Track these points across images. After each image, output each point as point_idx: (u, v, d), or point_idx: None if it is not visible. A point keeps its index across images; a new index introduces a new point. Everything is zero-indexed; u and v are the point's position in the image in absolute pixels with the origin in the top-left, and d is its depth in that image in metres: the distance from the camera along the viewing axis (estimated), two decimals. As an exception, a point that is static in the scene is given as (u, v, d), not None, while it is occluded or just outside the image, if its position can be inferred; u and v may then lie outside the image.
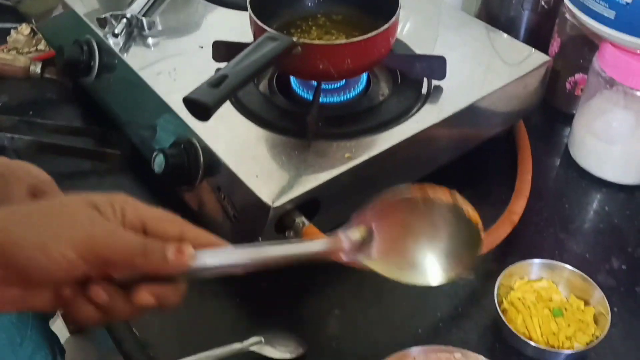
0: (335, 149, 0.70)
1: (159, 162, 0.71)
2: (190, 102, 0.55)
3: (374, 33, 0.69)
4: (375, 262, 0.52)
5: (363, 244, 0.52)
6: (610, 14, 0.70)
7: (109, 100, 0.91)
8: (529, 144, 0.86)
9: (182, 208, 0.77)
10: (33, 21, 1.07)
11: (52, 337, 1.17)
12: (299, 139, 0.71)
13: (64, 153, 0.86)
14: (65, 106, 0.97)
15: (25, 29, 1.05)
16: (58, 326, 1.68)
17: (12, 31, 1.06)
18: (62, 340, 1.71)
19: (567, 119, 0.92)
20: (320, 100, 0.75)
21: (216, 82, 0.57)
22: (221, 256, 0.47)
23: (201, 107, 0.55)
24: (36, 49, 1.05)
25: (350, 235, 0.51)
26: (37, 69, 0.96)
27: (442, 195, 0.55)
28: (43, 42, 1.06)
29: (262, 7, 0.75)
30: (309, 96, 0.78)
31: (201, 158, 0.71)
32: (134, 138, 0.87)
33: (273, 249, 0.49)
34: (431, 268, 0.53)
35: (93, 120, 0.92)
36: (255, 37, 0.75)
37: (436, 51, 0.79)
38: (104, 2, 0.96)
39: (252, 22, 0.73)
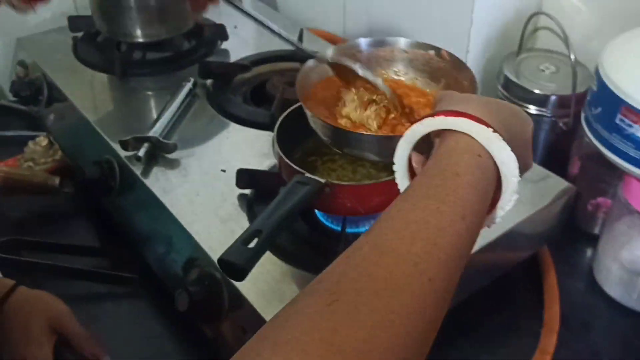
0: (363, 288, 0.69)
1: (182, 301, 0.69)
2: (224, 264, 0.54)
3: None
4: None
5: None
6: (636, 154, 0.70)
7: (128, 220, 0.90)
8: (553, 271, 0.85)
9: (200, 336, 0.76)
10: (49, 127, 1.08)
11: None
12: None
13: (80, 277, 0.84)
14: (82, 223, 0.96)
15: (42, 140, 1.05)
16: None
17: (30, 142, 1.06)
18: None
19: (589, 238, 0.91)
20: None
21: (250, 237, 0.56)
22: None
23: (236, 269, 0.54)
24: (53, 159, 1.05)
25: None
26: (55, 183, 0.95)
27: None
28: (59, 152, 1.06)
29: (287, 135, 0.76)
30: (333, 226, 0.77)
31: (226, 296, 0.70)
32: (152, 262, 0.85)
33: None
34: None
35: (110, 239, 0.91)
36: (280, 168, 0.75)
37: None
38: (124, 120, 0.98)
39: (279, 158, 0.73)
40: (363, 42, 0.77)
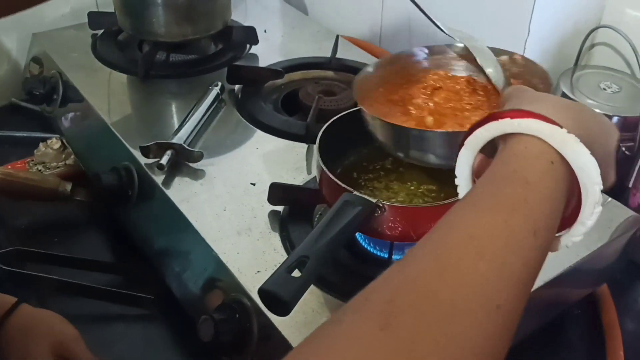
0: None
1: (206, 330, 0.61)
2: (266, 295, 0.46)
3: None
4: None
5: None
6: None
7: (146, 234, 0.82)
8: (615, 311, 0.76)
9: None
10: (62, 128, 1.00)
11: None
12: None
13: (90, 295, 0.76)
14: (94, 234, 0.87)
15: (55, 142, 0.98)
16: None
17: (41, 144, 0.98)
18: None
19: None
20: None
21: (294, 265, 0.48)
22: None
23: (279, 303, 0.46)
24: (65, 164, 0.97)
25: None
26: (66, 189, 0.87)
27: None
28: (72, 156, 0.98)
29: (326, 149, 0.68)
30: (377, 252, 0.69)
31: (255, 327, 0.62)
32: (171, 281, 0.77)
33: None
34: None
35: (125, 255, 0.83)
36: (321, 185, 0.67)
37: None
38: (144, 125, 0.90)
39: (322, 174, 0.65)
40: (424, 49, 0.72)
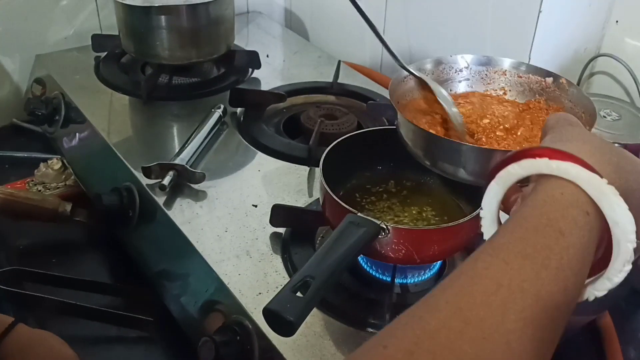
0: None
1: (207, 352, 0.60)
2: (271, 315, 0.46)
3: (468, 218, 0.61)
4: None
5: None
6: None
7: (146, 256, 0.81)
8: (617, 341, 0.76)
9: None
10: (63, 149, 1.00)
11: None
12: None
13: (89, 316, 0.75)
14: (94, 255, 0.87)
15: (55, 163, 0.97)
16: None
17: (42, 164, 0.98)
18: None
19: (652, 304, 0.82)
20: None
21: (299, 285, 0.48)
22: None
23: (284, 323, 0.45)
24: (65, 184, 0.97)
25: None
26: (66, 210, 0.87)
27: None
28: (73, 177, 0.97)
29: (332, 171, 0.68)
30: (379, 275, 0.68)
31: (256, 349, 0.61)
32: (170, 303, 0.76)
33: None
34: None
35: (125, 276, 0.82)
36: (324, 206, 0.67)
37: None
38: (146, 146, 0.90)
39: (325, 195, 0.65)
40: (466, 58, 0.73)
